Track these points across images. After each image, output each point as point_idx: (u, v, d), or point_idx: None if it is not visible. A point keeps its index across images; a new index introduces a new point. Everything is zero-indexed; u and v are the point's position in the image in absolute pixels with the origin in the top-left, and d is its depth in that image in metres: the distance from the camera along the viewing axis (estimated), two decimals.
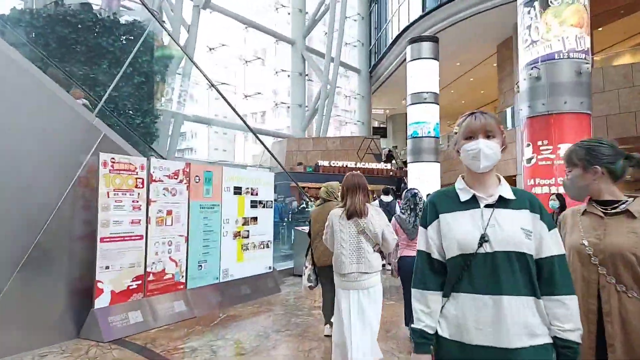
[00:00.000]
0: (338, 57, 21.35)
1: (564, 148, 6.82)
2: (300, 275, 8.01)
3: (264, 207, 6.74)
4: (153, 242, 5.04)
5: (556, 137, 6.88)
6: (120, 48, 9.91)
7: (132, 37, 10.18)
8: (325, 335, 4.49)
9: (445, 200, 1.45)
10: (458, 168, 24.89)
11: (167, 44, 13.16)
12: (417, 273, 1.48)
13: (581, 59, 6.79)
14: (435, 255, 1.44)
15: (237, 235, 6.22)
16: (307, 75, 22.52)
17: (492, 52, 21.86)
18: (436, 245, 1.45)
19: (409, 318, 4.25)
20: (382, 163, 21.44)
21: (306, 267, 4.40)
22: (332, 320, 3.80)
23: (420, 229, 1.50)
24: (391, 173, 20.75)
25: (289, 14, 22.44)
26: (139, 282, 4.84)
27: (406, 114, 14.76)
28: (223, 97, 9.55)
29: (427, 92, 14.07)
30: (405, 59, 18.14)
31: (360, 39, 26.10)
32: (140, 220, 4.90)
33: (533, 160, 7.10)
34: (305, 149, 20.33)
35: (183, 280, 5.37)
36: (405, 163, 24.70)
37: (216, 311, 5.50)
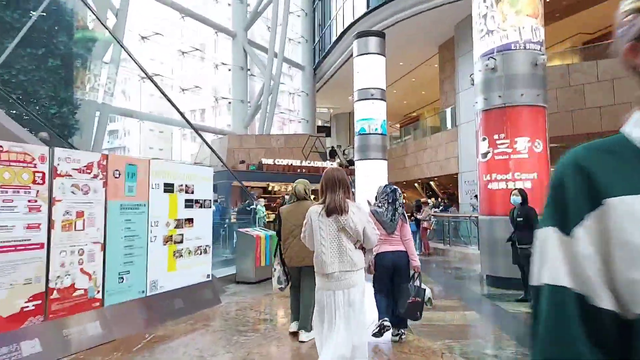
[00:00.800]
0: (282, 52, 20.60)
1: (520, 142, 6.60)
2: (245, 282, 7.26)
3: (201, 207, 5.87)
4: (58, 252, 4.04)
5: (512, 130, 6.63)
6: (32, 25, 8.51)
7: (45, 14, 8.80)
8: (291, 333, 4.40)
9: (616, 163, 0.62)
10: (403, 166, 25.17)
11: (91, 28, 11.74)
12: (549, 337, 0.61)
13: (537, 50, 6.60)
14: (601, 299, 0.58)
15: (168, 240, 5.31)
16: (249, 70, 21.54)
17: (434, 53, 22.19)
18: (601, 274, 0.58)
19: (381, 312, 4.13)
20: (327, 161, 20.98)
21: (275, 269, 4.32)
22: (299, 320, 4.12)
23: (549, 234, 0.64)
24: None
25: (229, 4, 21.32)
26: (38, 301, 3.84)
27: (350, 113, 14.44)
28: (157, 87, 8.54)
29: (374, 89, 13.72)
30: (349, 57, 17.78)
31: (304, 35, 25.51)
32: (39, 224, 3.89)
33: (489, 155, 6.82)
34: (247, 147, 19.37)
35: (99, 297, 4.40)
36: (350, 162, 24.53)
37: (141, 332, 4.58)
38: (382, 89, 14.01)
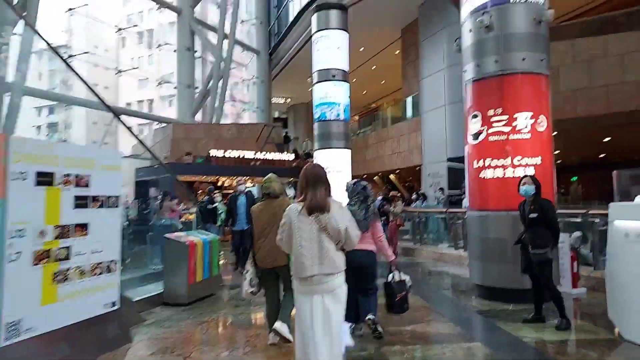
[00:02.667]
0: (233, 32, 18.68)
1: (521, 119, 5.33)
2: (176, 304, 5.62)
3: (101, 206, 4.15)
4: None
5: (511, 104, 5.36)
6: None
7: None
8: (270, 344, 3.97)
9: None
10: (364, 159, 23.96)
11: None
12: None
13: (540, 3, 5.34)
14: None
15: (43, 257, 3.58)
16: (196, 51, 19.46)
17: (397, 37, 21.03)
18: None
19: (348, 316, 3.85)
20: (285, 153, 19.36)
21: (247, 271, 4.16)
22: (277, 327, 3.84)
23: None
24: (294, 164, 18.77)
25: None
26: None
27: (309, 103, 13.00)
28: (67, 64, 6.76)
29: (335, 69, 12.28)
30: (308, 38, 16.21)
31: (258, 16, 23.63)
32: None
33: (482, 136, 5.51)
34: (194, 137, 17.40)
35: None
36: (307, 155, 23.03)
37: None
38: (344, 70, 12.57)
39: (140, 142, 7.77)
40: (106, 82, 56.14)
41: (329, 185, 2.83)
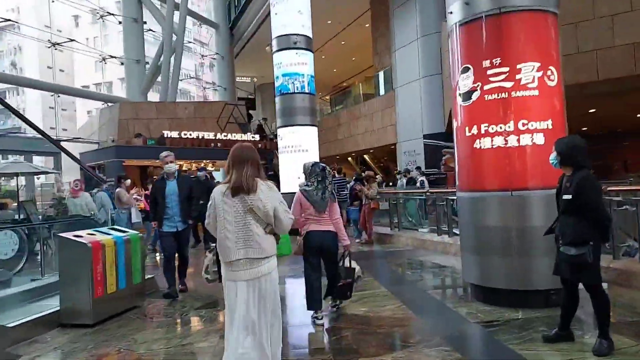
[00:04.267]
0: (185, 1, 16.81)
1: (526, 71, 4.10)
2: (78, 325, 4.22)
3: None
4: None
5: (513, 52, 4.12)
6: None
7: None
8: None
9: None
10: (335, 138, 22.68)
11: None
12: None
13: None
14: None
15: None
16: (145, 22, 17.50)
17: (366, 9, 19.62)
18: None
19: (310, 301, 4.06)
20: (249, 134, 17.85)
21: (206, 257, 3.97)
22: None
23: None
24: (260, 145, 17.32)
25: None
26: None
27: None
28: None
29: (297, 35, 10.81)
30: (269, 12, 14.66)
31: None
32: None
33: (475, 95, 4.27)
34: (146, 117, 15.66)
35: None
36: (276, 136, 21.58)
37: None
38: (307, 37, 11.11)
39: (21, 116, 6.18)
40: (61, 65, 52.60)
41: (257, 164, 2.67)
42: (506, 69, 4.13)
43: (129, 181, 8.80)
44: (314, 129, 11.16)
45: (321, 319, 4.02)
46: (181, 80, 22.24)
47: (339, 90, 29.34)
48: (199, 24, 21.23)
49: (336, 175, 5.12)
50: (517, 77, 4.10)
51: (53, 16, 44.06)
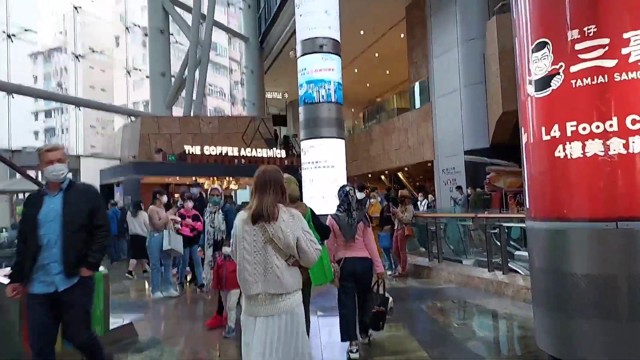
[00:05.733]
0: (212, 11, 16.24)
1: (636, 42, 2.74)
2: None
3: None
4: None
5: (618, 15, 2.78)
6: None
7: None
8: None
9: None
10: (367, 155, 21.37)
11: None
12: None
13: None
14: None
15: None
16: (171, 34, 17.04)
17: (401, 17, 18.47)
18: None
19: (345, 332, 3.84)
20: (274, 149, 16.87)
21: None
22: None
23: None
24: (286, 162, 16.30)
25: None
26: None
27: None
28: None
29: (324, 38, 9.73)
30: None
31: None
32: None
33: (557, 80, 2.94)
34: (168, 132, 14.98)
35: None
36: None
37: None
38: (335, 40, 10.02)
39: None
40: (103, 84, 54.48)
41: (282, 189, 2.51)
42: (605, 41, 2.79)
43: (165, 198, 6.99)
44: (341, 143, 9.95)
45: (356, 352, 3.73)
46: (210, 95, 21.74)
47: (372, 105, 28.17)
48: (228, 39, 20.64)
49: (354, 194, 3.98)
50: (624, 51, 2.75)
51: (96, 37, 45.62)
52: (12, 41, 12.63)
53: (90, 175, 14.43)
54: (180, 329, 4.88)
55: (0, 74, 12.40)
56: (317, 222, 3.57)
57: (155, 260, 6.46)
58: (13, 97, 12.95)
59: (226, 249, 4.34)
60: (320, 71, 9.66)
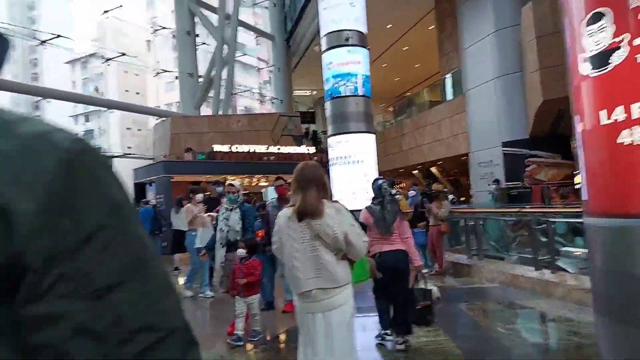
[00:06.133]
0: (237, 10, 16.23)
1: None
2: None
3: None
4: None
5: None
6: None
7: None
8: None
9: None
10: (399, 150, 20.91)
11: None
12: None
13: None
14: None
15: None
16: (197, 35, 17.14)
17: (430, 8, 17.90)
18: None
19: (385, 326, 3.93)
20: (303, 146, 16.71)
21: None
22: None
23: None
24: (315, 158, 16.11)
25: None
26: None
27: None
28: None
29: (350, 30, 9.44)
30: None
31: None
32: None
33: (619, 55, 2.55)
34: (198, 131, 15.06)
35: None
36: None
37: None
38: (361, 32, 9.71)
39: None
40: (137, 88, 56.16)
41: (324, 185, 2.53)
42: None
43: (200, 195, 6.90)
44: (371, 137, 9.63)
45: (402, 343, 3.72)
46: (238, 94, 21.76)
47: (402, 99, 27.60)
48: (256, 39, 20.62)
49: (387, 187, 3.84)
50: None
51: (128, 42, 46.99)
52: (45, 48, 12.90)
53: (126, 173, 14.70)
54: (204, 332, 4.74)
55: (43, 80, 12.78)
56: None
57: (194, 257, 6.36)
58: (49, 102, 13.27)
59: (241, 251, 4.13)
60: (346, 64, 9.38)
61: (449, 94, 16.75)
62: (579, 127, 2.96)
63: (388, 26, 19.72)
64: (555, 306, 4.82)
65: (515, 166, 12.43)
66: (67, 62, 56.39)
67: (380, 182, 4.01)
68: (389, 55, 23.51)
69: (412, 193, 9.67)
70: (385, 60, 24.20)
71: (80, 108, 51.68)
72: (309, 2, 18.48)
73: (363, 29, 9.61)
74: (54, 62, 50.93)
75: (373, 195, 4.01)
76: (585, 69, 2.79)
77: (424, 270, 7.54)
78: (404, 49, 22.66)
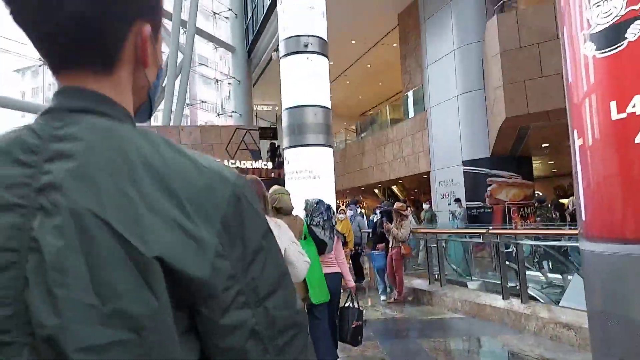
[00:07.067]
0: (194, 17, 15.38)
1: None
2: None
3: None
4: None
5: None
6: None
7: None
8: None
9: None
10: (360, 168, 20.43)
11: None
12: None
13: None
14: None
15: None
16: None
17: (393, 25, 17.76)
18: None
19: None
20: (260, 161, 15.87)
21: None
22: None
23: None
24: (272, 174, 15.31)
25: None
26: None
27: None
28: None
29: (308, 36, 8.82)
30: None
31: (232, 7, 20.41)
32: None
33: (634, 31, 1.95)
34: None
35: None
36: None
37: None
38: (322, 39, 9.12)
39: None
40: None
41: (264, 200, 2.46)
42: None
43: None
44: (329, 151, 8.95)
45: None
46: (199, 108, 20.76)
47: (364, 117, 27.41)
48: (215, 50, 19.78)
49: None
50: None
51: None
52: None
53: None
54: None
55: None
56: (313, 235, 3.48)
57: None
58: None
59: None
60: (304, 73, 8.73)
61: (411, 111, 16.48)
62: (577, 143, 2.32)
63: (352, 42, 19.48)
64: (527, 343, 4.20)
65: (476, 186, 12.11)
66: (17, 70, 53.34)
67: (327, 203, 4.03)
68: (352, 73, 23.32)
69: (350, 213, 8.98)
70: (348, 78, 23.99)
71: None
72: (271, 14, 17.93)
73: (324, 35, 9.02)
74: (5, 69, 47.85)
75: (311, 214, 3.89)
76: (587, 49, 2.18)
77: (382, 299, 6.94)
78: (367, 66, 22.51)
